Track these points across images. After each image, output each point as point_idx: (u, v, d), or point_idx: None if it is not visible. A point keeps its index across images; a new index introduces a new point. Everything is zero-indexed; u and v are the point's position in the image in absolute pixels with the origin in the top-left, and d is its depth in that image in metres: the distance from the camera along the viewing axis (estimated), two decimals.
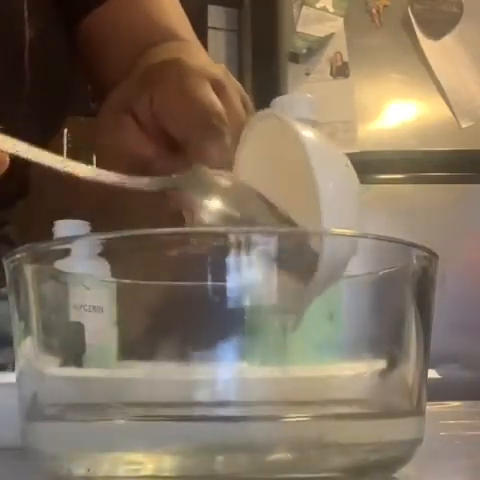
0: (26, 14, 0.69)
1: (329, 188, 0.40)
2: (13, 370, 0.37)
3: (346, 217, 0.41)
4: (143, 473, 0.32)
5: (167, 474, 0.32)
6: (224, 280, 0.33)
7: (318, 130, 0.45)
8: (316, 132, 0.44)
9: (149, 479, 0.32)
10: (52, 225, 0.70)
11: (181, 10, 0.74)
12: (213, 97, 0.53)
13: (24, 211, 0.80)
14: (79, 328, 0.35)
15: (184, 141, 0.51)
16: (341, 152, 0.44)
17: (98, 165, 0.50)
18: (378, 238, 0.35)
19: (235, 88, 0.56)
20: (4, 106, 0.67)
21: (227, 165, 0.48)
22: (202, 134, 0.50)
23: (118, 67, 0.68)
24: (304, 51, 1.94)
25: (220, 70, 0.57)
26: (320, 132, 0.45)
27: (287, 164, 0.44)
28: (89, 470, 0.33)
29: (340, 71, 1.94)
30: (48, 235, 0.67)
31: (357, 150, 1.83)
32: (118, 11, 0.73)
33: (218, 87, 0.54)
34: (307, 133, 0.42)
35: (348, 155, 0.44)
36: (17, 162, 0.41)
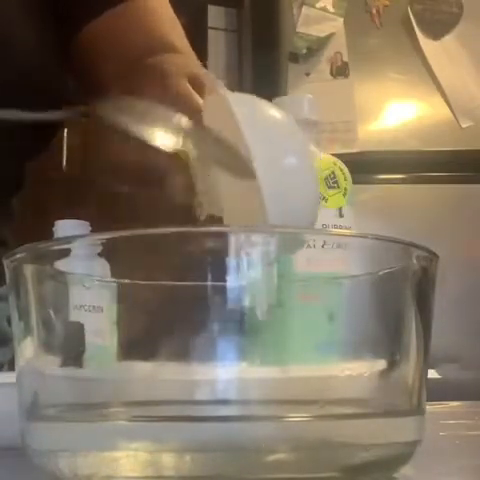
0: (16, 18, 0.69)
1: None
2: (8, 370, 0.37)
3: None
4: (144, 473, 0.32)
5: (168, 474, 0.32)
6: (224, 280, 0.33)
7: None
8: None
9: (150, 479, 0.32)
10: (51, 225, 0.70)
11: (173, 15, 0.76)
12: (190, 91, 0.61)
13: (19, 212, 0.80)
14: (79, 328, 0.35)
15: None
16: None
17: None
18: (378, 238, 0.35)
19: (213, 83, 0.63)
20: None
21: None
22: None
23: (114, 74, 0.70)
24: (304, 51, 1.94)
25: (200, 69, 0.66)
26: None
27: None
28: (89, 470, 0.33)
29: (340, 71, 1.94)
30: (43, 237, 0.67)
31: (357, 150, 1.83)
32: (115, 21, 0.74)
33: (196, 82, 0.62)
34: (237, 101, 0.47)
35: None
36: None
